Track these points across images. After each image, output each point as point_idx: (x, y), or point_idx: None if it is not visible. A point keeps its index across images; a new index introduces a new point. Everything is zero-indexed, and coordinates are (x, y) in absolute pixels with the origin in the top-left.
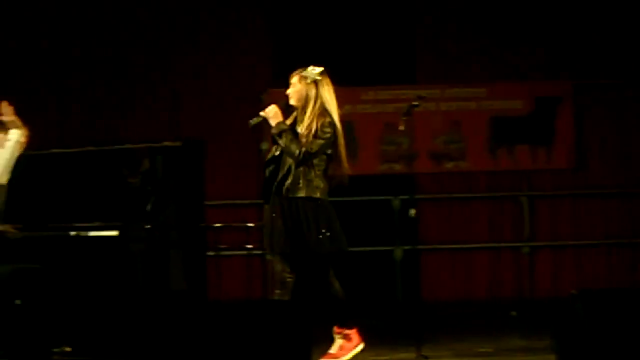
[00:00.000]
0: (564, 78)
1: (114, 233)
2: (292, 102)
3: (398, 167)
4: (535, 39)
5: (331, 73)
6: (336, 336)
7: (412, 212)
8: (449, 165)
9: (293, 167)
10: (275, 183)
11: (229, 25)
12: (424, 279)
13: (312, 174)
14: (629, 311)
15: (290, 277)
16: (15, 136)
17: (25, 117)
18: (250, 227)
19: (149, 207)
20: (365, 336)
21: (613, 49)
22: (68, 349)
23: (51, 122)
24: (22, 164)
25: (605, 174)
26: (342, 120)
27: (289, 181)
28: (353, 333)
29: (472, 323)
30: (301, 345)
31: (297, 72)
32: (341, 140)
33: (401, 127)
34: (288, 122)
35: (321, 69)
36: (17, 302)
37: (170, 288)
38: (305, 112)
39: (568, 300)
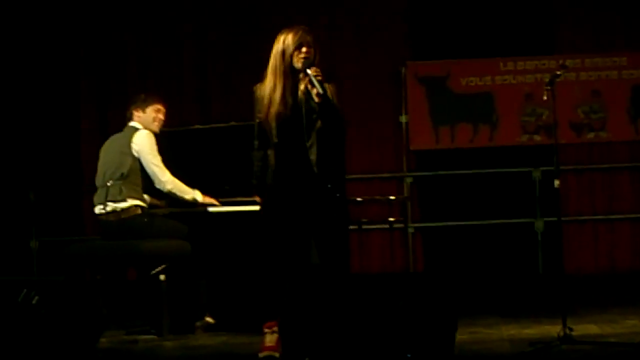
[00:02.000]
0: None
1: (256, 208)
2: (307, 64)
3: (538, 138)
4: None
5: (470, 45)
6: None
7: (557, 182)
8: (590, 135)
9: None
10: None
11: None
12: (566, 251)
13: None
14: None
15: None
16: None
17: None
18: (392, 200)
19: None
20: (508, 309)
21: None
22: (211, 321)
23: (193, 104)
24: (166, 141)
25: None
26: (482, 92)
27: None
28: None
29: (616, 295)
30: (446, 318)
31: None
32: None
33: (545, 97)
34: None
35: None
36: (162, 277)
37: (311, 262)
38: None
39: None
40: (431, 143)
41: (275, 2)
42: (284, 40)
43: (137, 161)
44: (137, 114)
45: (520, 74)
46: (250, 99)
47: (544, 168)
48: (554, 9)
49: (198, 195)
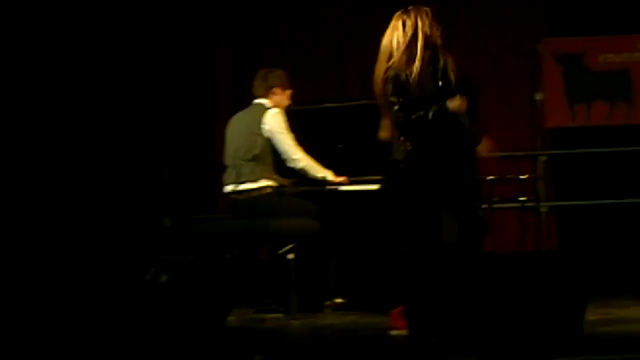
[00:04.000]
0: None
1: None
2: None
3: None
4: None
5: (607, 21)
6: None
7: None
8: None
9: None
10: None
11: None
12: None
13: None
14: None
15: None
16: None
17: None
18: (524, 179)
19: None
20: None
21: None
22: (341, 300)
23: (335, 78)
24: (296, 118)
25: None
26: (619, 69)
27: None
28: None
29: None
30: (575, 298)
31: None
32: None
33: None
34: None
35: None
36: (291, 256)
37: (443, 241)
38: None
39: None
40: (567, 121)
41: None
42: (422, 20)
43: (268, 141)
44: (277, 91)
45: None
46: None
47: None
48: None
49: (329, 175)
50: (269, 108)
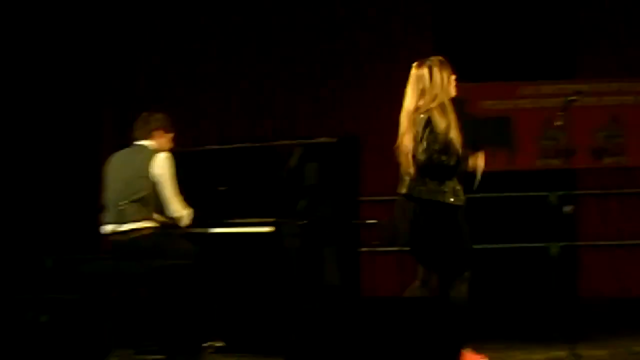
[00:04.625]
0: None
1: (270, 229)
2: None
3: (556, 163)
4: None
5: (490, 68)
6: None
7: (569, 208)
8: (609, 160)
9: None
10: None
11: (390, 19)
12: (581, 276)
13: None
14: None
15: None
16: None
17: (192, 116)
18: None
19: (303, 203)
20: (519, 334)
21: None
22: (221, 344)
23: (216, 121)
24: (178, 161)
25: None
26: (500, 116)
27: None
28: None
29: (630, 322)
30: (450, 344)
31: None
32: None
33: (558, 123)
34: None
35: None
36: (171, 297)
37: (324, 283)
38: None
39: None
40: None
41: (284, 27)
42: (442, 71)
43: (154, 184)
44: (158, 134)
45: (540, 98)
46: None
47: (560, 192)
48: (576, 34)
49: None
50: (152, 150)
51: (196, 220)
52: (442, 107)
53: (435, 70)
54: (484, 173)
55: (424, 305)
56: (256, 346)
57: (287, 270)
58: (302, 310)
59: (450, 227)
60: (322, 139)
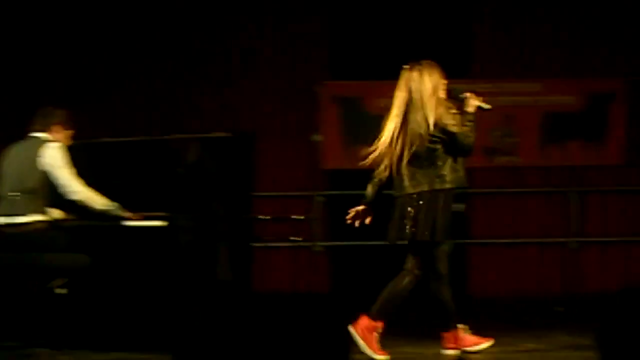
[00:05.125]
0: (617, 75)
1: (163, 224)
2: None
3: None
4: (589, 36)
5: (385, 66)
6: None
7: (461, 206)
8: (502, 159)
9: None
10: None
11: (286, 19)
12: (472, 274)
13: None
14: None
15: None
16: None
17: (88, 110)
18: (298, 219)
19: (197, 198)
20: (407, 330)
21: None
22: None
23: (111, 114)
24: (72, 154)
25: None
26: None
27: None
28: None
29: (519, 319)
30: (339, 341)
31: None
32: None
33: None
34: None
35: None
36: (62, 291)
37: (216, 279)
38: None
39: (614, 298)
40: (344, 162)
41: (194, 23)
42: (432, 75)
43: (45, 175)
44: (57, 129)
45: None
46: None
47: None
48: (471, 34)
49: (113, 208)
50: (44, 140)
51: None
52: (440, 104)
53: (425, 74)
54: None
55: (316, 300)
56: (145, 343)
57: (179, 265)
58: (192, 305)
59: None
60: (217, 134)
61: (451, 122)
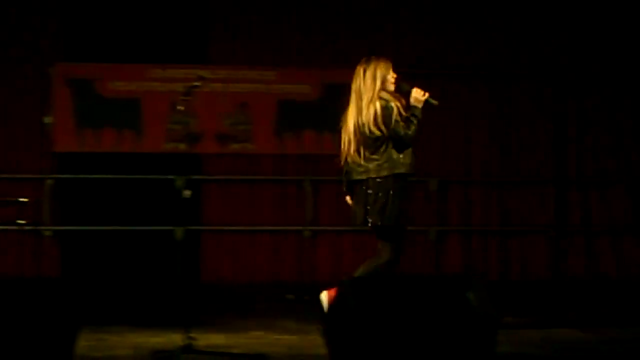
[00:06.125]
0: (353, 65)
1: None
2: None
3: (183, 147)
4: (325, 25)
5: (120, 49)
6: None
7: (187, 192)
8: (236, 146)
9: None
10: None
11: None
12: (206, 261)
13: None
14: (398, 299)
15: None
16: None
17: None
18: (26, 202)
19: None
20: (141, 317)
21: (401, 36)
22: None
23: None
24: None
25: None
26: (129, 97)
27: None
28: None
29: (250, 306)
30: (67, 325)
31: None
32: None
33: (180, 107)
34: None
35: None
36: None
37: None
38: None
39: (339, 286)
40: (75, 145)
41: None
42: (377, 70)
43: None
44: None
45: (169, 81)
46: None
47: (187, 177)
48: (208, 20)
49: None
50: None
51: None
52: (380, 97)
53: (371, 68)
54: (113, 155)
55: (43, 284)
56: None
57: None
58: None
59: None
60: None
61: (391, 114)
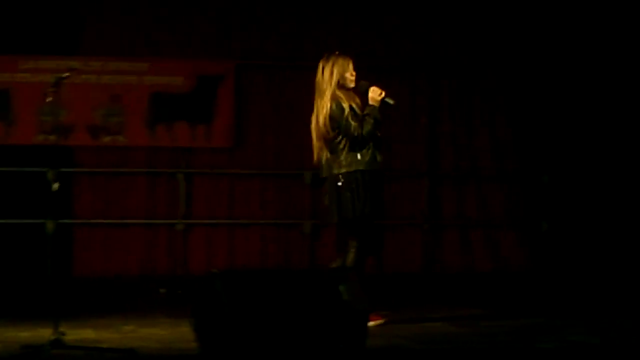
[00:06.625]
0: (227, 57)
1: None
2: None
3: (54, 139)
4: (200, 17)
5: None
6: None
7: (56, 185)
8: (107, 139)
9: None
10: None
11: None
12: (77, 254)
13: None
14: (269, 291)
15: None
16: None
17: None
18: None
19: None
20: (10, 311)
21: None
22: None
23: None
24: None
25: (263, 154)
26: None
27: None
28: None
29: (122, 300)
30: None
31: None
32: None
33: (49, 99)
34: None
35: None
36: None
37: None
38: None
39: (208, 279)
40: None
41: None
42: (334, 66)
43: None
44: None
45: (40, 72)
46: None
47: (58, 170)
48: (80, 10)
49: None
50: None
51: None
52: (333, 97)
53: (329, 65)
54: None
55: None
56: None
57: None
58: None
59: None
60: None
61: (342, 114)
